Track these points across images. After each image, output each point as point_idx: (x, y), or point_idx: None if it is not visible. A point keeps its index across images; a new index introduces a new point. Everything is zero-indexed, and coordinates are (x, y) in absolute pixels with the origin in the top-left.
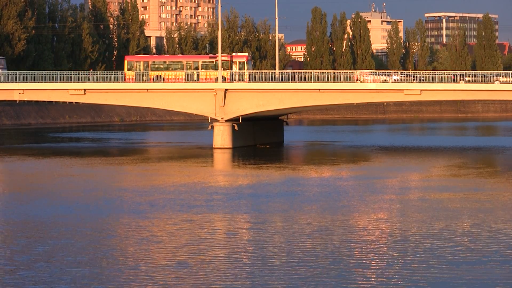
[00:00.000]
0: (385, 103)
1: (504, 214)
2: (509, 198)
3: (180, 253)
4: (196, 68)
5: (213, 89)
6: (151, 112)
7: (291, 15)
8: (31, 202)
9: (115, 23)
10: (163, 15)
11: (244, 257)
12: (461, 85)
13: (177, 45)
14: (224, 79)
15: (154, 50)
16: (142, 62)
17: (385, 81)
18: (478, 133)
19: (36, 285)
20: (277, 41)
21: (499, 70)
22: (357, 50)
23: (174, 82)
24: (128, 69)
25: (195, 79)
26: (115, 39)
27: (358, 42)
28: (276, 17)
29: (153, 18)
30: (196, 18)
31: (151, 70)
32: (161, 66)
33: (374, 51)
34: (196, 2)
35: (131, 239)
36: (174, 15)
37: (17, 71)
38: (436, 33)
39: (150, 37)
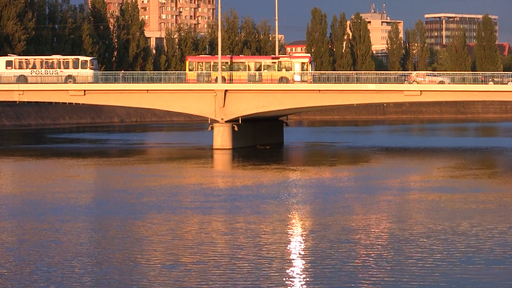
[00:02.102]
0: (385, 104)
1: (504, 215)
2: (509, 199)
3: (177, 254)
4: (259, 69)
5: (213, 90)
6: (151, 113)
7: (291, 16)
8: (25, 203)
9: (115, 24)
10: (163, 16)
11: (241, 258)
12: (461, 86)
13: (177, 46)
14: (287, 80)
15: (154, 51)
16: (204, 63)
17: (441, 82)
18: (478, 134)
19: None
20: (277, 42)
21: (499, 71)
22: (357, 51)
23: (238, 83)
24: (190, 70)
25: (258, 79)
26: (115, 40)
27: (358, 43)
28: (276, 18)
29: (153, 19)
30: (196, 19)
31: (213, 70)
32: (223, 67)
33: (374, 52)
34: (196, 3)
35: (127, 240)
36: (174, 16)
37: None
38: (436, 34)
39: (150, 38)
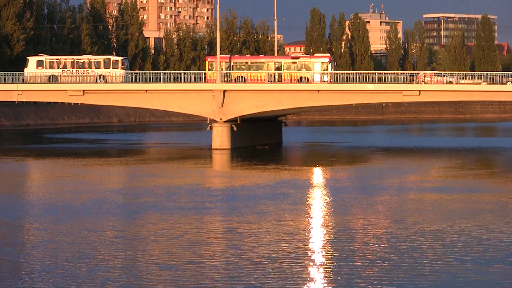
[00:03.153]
0: (383, 104)
1: (502, 215)
2: (507, 199)
3: (174, 254)
4: (278, 69)
5: (211, 90)
6: (150, 113)
7: (290, 16)
8: (19, 204)
9: (114, 24)
10: (162, 16)
11: (239, 258)
12: (460, 86)
13: (176, 46)
14: (307, 79)
15: (152, 51)
16: (223, 63)
17: (449, 82)
18: (477, 134)
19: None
20: (275, 42)
21: (498, 71)
22: (356, 51)
23: (257, 83)
24: (209, 70)
25: (277, 79)
26: (114, 40)
27: (357, 43)
28: (275, 17)
29: (151, 19)
30: (195, 19)
31: (233, 70)
32: (243, 66)
33: (373, 52)
34: (195, 3)
35: (126, 240)
36: (173, 16)
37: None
38: (435, 34)
39: (148, 38)
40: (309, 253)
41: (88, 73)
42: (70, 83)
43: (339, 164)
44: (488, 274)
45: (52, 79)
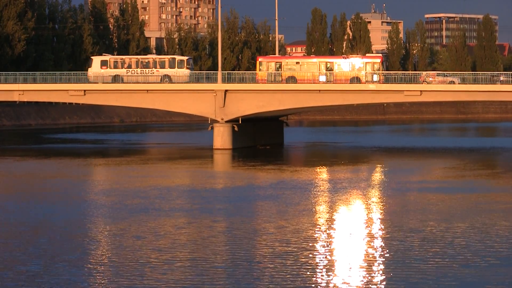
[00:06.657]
0: (385, 104)
1: (504, 216)
2: (508, 199)
3: (171, 255)
4: (329, 69)
5: (213, 90)
6: (151, 113)
7: (291, 16)
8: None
9: (115, 24)
10: (163, 16)
11: (240, 258)
12: (461, 86)
13: (177, 46)
14: (359, 80)
15: (154, 51)
16: (274, 63)
17: (452, 82)
18: (478, 134)
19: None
20: (277, 42)
21: (500, 71)
22: (357, 51)
23: (308, 83)
24: (260, 70)
25: (329, 79)
26: (115, 40)
27: (358, 43)
28: (276, 17)
29: (153, 19)
30: (196, 19)
31: (283, 71)
32: (294, 66)
33: (374, 52)
34: (196, 3)
35: (122, 240)
36: (174, 16)
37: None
38: (436, 34)
39: (150, 38)
40: (312, 254)
41: (153, 73)
42: (135, 83)
43: (341, 165)
44: (488, 276)
45: (117, 79)
